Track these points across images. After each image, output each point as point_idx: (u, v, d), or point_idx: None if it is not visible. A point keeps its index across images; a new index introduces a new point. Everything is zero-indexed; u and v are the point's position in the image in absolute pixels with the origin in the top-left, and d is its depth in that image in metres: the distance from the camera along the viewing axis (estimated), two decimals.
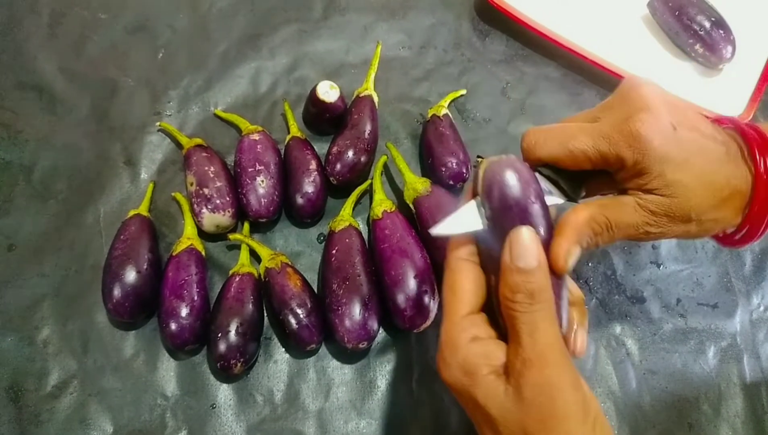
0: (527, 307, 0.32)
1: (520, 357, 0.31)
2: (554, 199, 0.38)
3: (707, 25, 0.64)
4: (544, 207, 0.35)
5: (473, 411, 0.34)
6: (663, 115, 0.35)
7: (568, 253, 0.35)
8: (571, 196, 0.38)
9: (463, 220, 0.36)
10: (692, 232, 0.38)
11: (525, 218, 0.34)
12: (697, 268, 0.58)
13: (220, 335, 0.46)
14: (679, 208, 0.36)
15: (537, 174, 0.37)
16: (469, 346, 0.33)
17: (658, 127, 0.35)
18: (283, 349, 0.50)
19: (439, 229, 0.36)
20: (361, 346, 0.47)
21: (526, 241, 0.33)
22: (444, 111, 0.59)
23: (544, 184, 0.37)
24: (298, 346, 0.48)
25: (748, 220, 0.37)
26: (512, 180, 0.35)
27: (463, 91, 0.63)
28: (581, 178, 0.38)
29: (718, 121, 0.39)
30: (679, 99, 0.38)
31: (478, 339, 0.34)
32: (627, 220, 0.36)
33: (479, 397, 0.32)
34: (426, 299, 0.48)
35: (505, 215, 0.34)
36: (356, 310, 0.47)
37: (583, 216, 0.36)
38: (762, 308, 0.57)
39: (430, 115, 0.59)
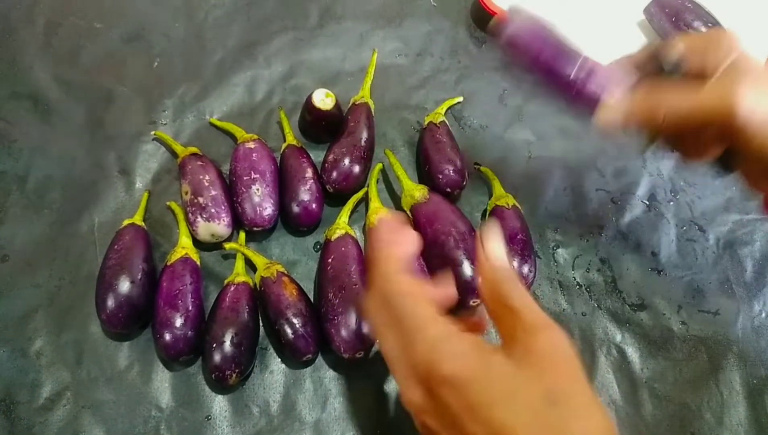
0: (515, 289, 0.33)
1: (521, 327, 0.31)
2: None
3: (704, 30, 0.64)
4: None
5: (485, 397, 0.29)
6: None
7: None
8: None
9: None
10: (735, 115, 0.36)
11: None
12: (697, 275, 0.57)
13: (215, 346, 0.46)
14: (725, 76, 0.37)
15: None
16: (464, 336, 0.32)
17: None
18: (279, 360, 0.50)
19: None
20: (357, 356, 0.47)
21: (493, 239, 0.35)
22: (441, 118, 0.59)
23: None
24: (294, 356, 0.48)
25: None
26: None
27: (460, 99, 0.63)
28: None
29: None
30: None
31: (466, 333, 0.33)
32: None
33: (496, 375, 0.29)
34: None
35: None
36: (352, 320, 0.47)
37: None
38: (764, 315, 0.56)
39: (426, 123, 0.59)
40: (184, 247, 0.51)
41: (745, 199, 0.61)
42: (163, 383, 0.48)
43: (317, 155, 0.57)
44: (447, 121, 0.60)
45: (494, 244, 0.35)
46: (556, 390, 0.29)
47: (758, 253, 0.59)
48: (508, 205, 0.54)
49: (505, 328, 0.33)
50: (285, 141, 0.57)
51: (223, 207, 0.51)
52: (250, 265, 0.52)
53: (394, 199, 0.58)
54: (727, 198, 0.61)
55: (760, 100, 0.36)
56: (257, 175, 0.52)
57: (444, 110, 0.61)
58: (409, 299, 0.34)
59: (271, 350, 0.50)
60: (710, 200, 0.61)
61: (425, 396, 0.31)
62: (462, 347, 0.31)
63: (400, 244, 0.38)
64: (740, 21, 0.67)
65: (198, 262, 0.51)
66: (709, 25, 0.64)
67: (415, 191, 0.53)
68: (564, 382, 0.29)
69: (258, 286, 0.50)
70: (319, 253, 0.54)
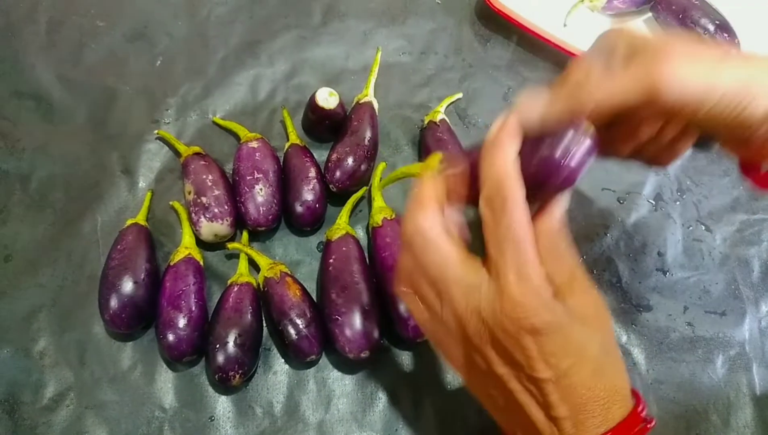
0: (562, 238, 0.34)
1: (579, 284, 0.34)
2: None
3: (711, 28, 0.63)
4: None
5: (565, 348, 0.32)
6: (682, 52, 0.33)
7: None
8: None
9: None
10: (660, 89, 0.32)
11: None
12: (704, 275, 0.57)
13: (218, 346, 0.45)
14: (644, 53, 0.33)
15: None
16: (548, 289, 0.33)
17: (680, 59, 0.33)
18: (283, 360, 0.50)
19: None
20: (362, 355, 0.47)
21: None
22: (440, 116, 0.58)
23: None
24: (297, 357, 0.48)
25: None
26: None
27: (459, 95, 0.62)
28: None
29: None
30: None
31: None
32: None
33: (573, 331, 0.32)
34: None
35: None
36: (356, 319, 0.46)
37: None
38: None
39: (426, 122, 0.59)
40: (187, 247, 0.51)
41: (752, 199, 0.61)
42: (166, 384, 0.48)
43: (321, 154, 0.57)
44: (447, 119, 0.59)
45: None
46: (607, 343, 0.34)
47: (765, 253, 0.58)
48: None
49: (558, 274, 0.33)
50: (288, 140, 0.57)
51: (226, 207, 0.51)
52: (254, 265, 0.52)
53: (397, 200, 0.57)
54: (734, 197, 0.61)
55: (687, 69, 0.32)
56: (260, 175, 0.52)
57: (443, 108, 0.60)
58: (515, 236, 0.32)
59: (275, 351, 0.50)
60: (717, 200, 0.60)
61: (495, 340, 0.33)
62: (552, 302, 0.33)
63: (428, 200, 0.35)
64: (746, 18, 0.66)
65: (201, 262, 0.51)
66: (717, 22, 0.64)
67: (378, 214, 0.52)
68: (610, 337, 0.35)
69: (261, 286, 0.50)
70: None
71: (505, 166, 0.33)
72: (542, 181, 0.33)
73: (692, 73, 0.32)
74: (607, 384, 0.33)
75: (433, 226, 0.34)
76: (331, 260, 0.50)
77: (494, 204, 0.33)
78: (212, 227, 0.51)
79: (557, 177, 0.33)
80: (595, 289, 0.34)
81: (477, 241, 0.35)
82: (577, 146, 0.33)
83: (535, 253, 0.32)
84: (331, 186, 0.54)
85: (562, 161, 0.32)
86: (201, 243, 0.52)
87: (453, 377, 0.50)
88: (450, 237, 0.34)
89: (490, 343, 0.33)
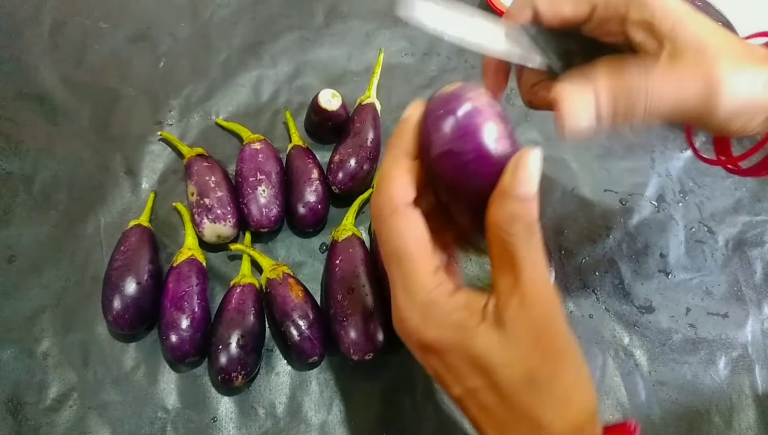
0: (527, 240, 0.28)
1: (519, 294, 0.28)
2: (534, 63, 0.34)
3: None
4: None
5: (466, 367, 0.30)
6: None
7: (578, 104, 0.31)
8: (554, 63, 0.34)
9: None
10: (721, 102, 0.31)
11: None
12: (706, 277, 0.57)
13: (221, 347, 0.45)
14: (699, 56, 0.30)
15: (522, 30, 0.34)
16: (451, 301, 0.30)
17: None
18: (285, 361, 0.50)
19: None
20: (366, 357, 0.47)
21: (533, 167, 0.28)
22: None
23: (525, 45, 0.33)
24: (300, 358, 0.48)
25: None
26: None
27: None
28: (566, 44, 0.35)
29: None
30: None
31: (457, 291, 0.31)
32: (635, 83, 0.31)
33: (478, 348, 0.29)
34: None
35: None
36: (362, 322, 0.46)
37: (573, 90, 0.31)
38: None
39: None
40: (190, 248, 0.51)
41: (755, 201, 0.61)
42: (169, 385, 0.48)
43: (323, 156, 0.57)
44: None
45: (528, 173, 0.28)
46: (539, 372, 0.28)
47: None
48: None
49: (502, 281, 0.29)
50: (291, 141, 0.57)
51: (229, 208, 0.51)
52: (256, 267, 0.52)
53: None
54: (736, 199, 0.61)
55: (741, 81, 0.31)
56: (263, 177, 0.52)
57: None
58: (401, 251, 0.31)
59: (277, 352, 0.50)
60: (719, 201, 0.60)
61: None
62: (446, 316, 0.30)
63: (393, 178, 0.31)
64: (749, 19, 0.66)
65: (204, 264, 0.51)
66: (719, 23, 0.63)
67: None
68: (548, 365, 0.28)
69: (264, 287, 0.50)
70: (326, 254, 0.54)
71: (389, 171, 0.31)
72: (456, 172, 0.30)
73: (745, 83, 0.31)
74: (533, 416, 0.28)
75: (403, 195, 0.31)
76: (337, 262, 0.50)
77: (381, 213, 0.31)
78: (215, 228, 0.51)
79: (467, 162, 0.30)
80: (547, 304, 0.29)
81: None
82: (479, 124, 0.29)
83: (426, 266, 0.30)
84: (333, 187, 0.54)
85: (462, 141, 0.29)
86: (204, 244, 0.52)
87: None
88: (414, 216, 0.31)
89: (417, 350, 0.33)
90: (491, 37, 0.34)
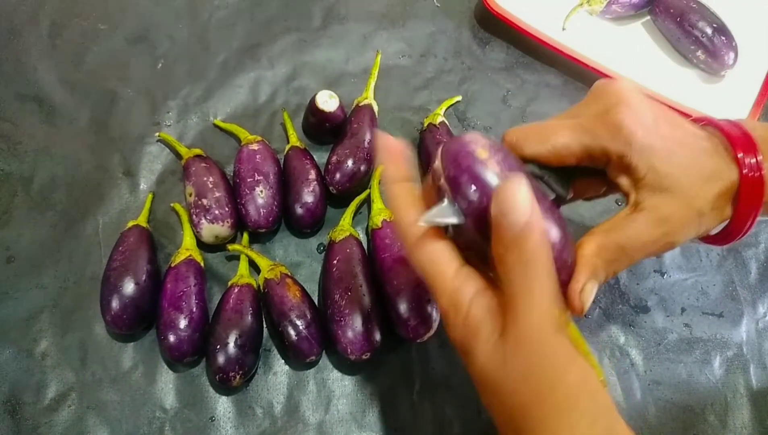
0: (522, 273, 0.29)
1: (516, 327, 0.30)
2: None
3: (709, 31, 0.64)
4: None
5: (473, 371, 0.33)
6: (642, 108, 0.35)
7: (585, 291, 0.33)
8: (560, 194, 0.37)
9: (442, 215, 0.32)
10: (702, 227, 0.36)
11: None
12: (701, 277, 0.57)
13: (218, 347, 0.46)
14: (687, 203, 0.35)
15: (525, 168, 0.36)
16: (473, 301, 0.32)
17: (639, 118, 0.35)
18: (283, 361, 0.50)
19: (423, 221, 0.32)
20: (364, 357, 0.47)
21: (514, 196, 0.29)
22: (440, 119, 0.59)
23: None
24: (297, 358, 0.48)
25: (734, 216, 0.37)
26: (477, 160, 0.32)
27: (459, 98, 0.63)
28: (568, 175, 0.37)
29: (696, 120, 0.39)
30: (654, 97, 0.38)
31: (480, 292, 0.32)
32: (642, 238, 0.35)
33: (479, 361, 0.31)
34: (429, 308, 0.47)
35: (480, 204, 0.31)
36: (359, 321, 0.47)
37: (590, 248, 0.35)
38: None
39: (426, 125, 0.59)
40: (188, 248, 0.51)
41: None
42: (167, 384, 0.48)
43: (321, 157, 0.57)
44: (447, 122, 0.59)
45: (510, 203, 0.29)
46: (529, 410, 0.30)
47: (763, 255, 0.59)
48: None
49: (507, 311, 0.30)
50: (288, 142, 0.57)
51: (226, 208, 0.52)
52: (254, 267, 0.52)
53: None
54: None
55: (699, 231, 0.37)
56: (261, 177, 0.52)
57: (443, 111, 0.61)
58: (425, 260, 0.33)
59: (275, 352, 0.50)
60: None
61: None
62: (460, 327, 0.32)
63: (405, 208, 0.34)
64: (744, 21, 0.67)
65: (202, 264, 0.51)
66: (714, 26, 0.64)
67: (378, 216, 0.53)
68: (538, 405, 0.29)
69: (261, 287, 0.50)
70: (323, 254, 0.54)
71: (398, 201, 0.35)
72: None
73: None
74: None
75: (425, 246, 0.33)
76: (335, 262, 0.50)
77: (406, 240, 0.34)
78: (213, 229, 0.51)
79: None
80: (540, 342, 0.29)
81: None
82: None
83: (448, 268, 0.32)
84: (331, 188, 0.54)
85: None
86: (202, 244, 0.52)
87: (453, 378, 0.50)
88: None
89: None
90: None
